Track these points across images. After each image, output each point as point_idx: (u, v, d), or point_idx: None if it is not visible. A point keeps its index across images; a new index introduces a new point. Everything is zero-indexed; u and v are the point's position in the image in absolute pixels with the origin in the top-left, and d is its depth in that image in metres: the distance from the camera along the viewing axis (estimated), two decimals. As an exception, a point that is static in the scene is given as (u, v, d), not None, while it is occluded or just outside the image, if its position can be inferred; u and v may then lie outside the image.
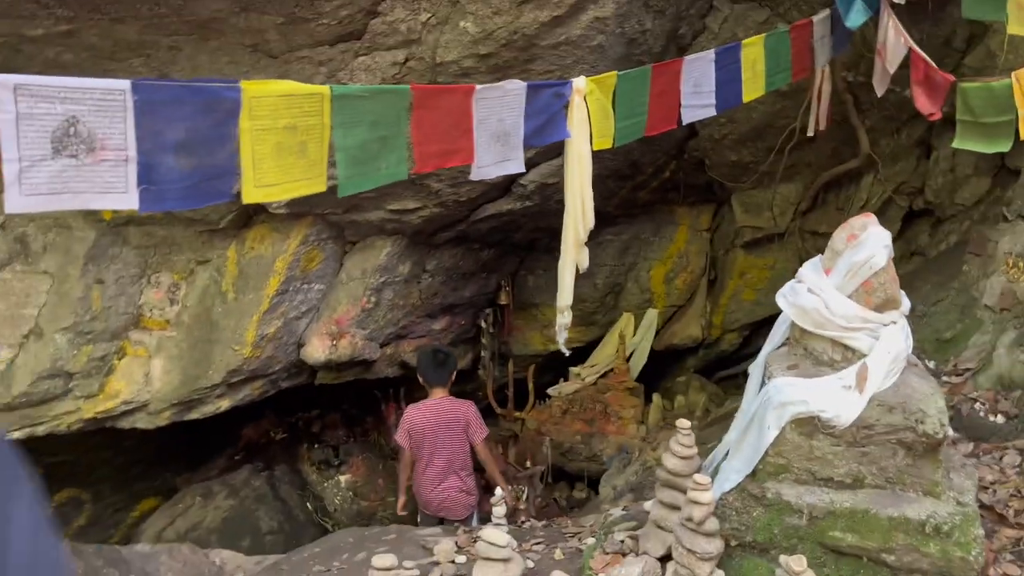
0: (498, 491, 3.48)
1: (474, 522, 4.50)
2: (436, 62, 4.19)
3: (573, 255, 3.34)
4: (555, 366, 6.93)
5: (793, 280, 2.69)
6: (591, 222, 3.31)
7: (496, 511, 3.61)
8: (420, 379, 4.60)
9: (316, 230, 4.90)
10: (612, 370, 6.66)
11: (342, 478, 6.09)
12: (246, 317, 4.84)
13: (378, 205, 4.84)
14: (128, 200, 2.09)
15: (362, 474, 6.17)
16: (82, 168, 2.01)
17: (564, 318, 3.50)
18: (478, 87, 2.86)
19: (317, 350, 5.11)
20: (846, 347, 2.49)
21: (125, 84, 2.03)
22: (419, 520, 4.66)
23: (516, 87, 2.99)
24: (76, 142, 1.99)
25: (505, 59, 4.22)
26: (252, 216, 4.76)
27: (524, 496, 5.48)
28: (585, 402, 6.51)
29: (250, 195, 2.34)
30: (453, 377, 4.59)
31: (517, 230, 5.90)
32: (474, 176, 2.94)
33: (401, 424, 4.44)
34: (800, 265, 2.68)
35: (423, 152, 2.73)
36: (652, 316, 6.92)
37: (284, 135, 2.35)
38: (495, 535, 3.06)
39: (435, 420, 4.38)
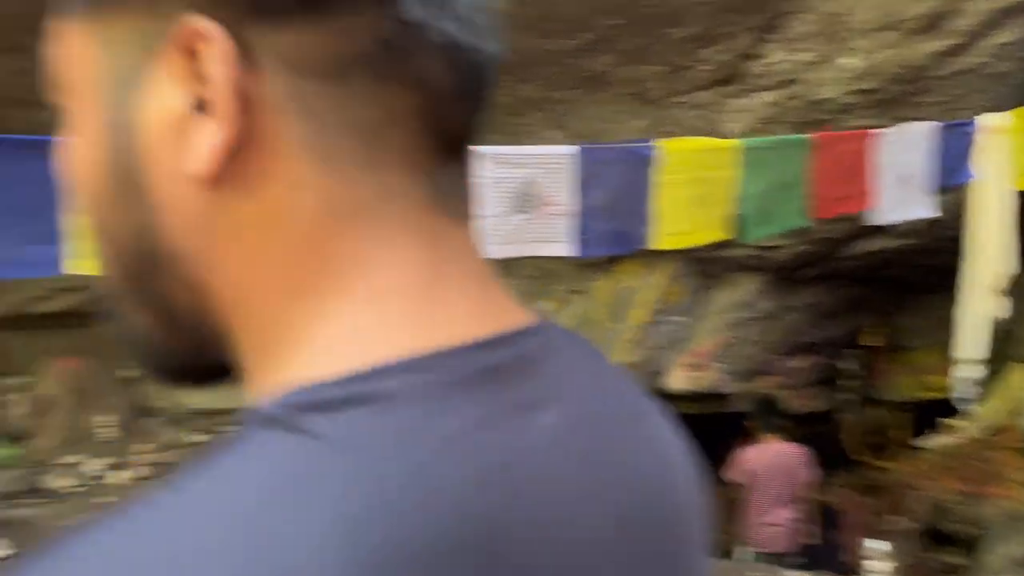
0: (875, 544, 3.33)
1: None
2: (813, 100, 4.16)
3: (976, 303, 3.09)
4: (927, 415, 6.36)
5: None
6: (1014, 267, 3.03)
7: (876, 566, 3.45)
8: (752, 425, 4.89)
9: (682, 266, 5.10)
10: (1002, 427, 5.92)
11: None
12: (614, 345, 5.18)
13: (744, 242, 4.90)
14: (565, 248, 2.43)
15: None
16: (531, 222, 2.38)
17: (963, 371, 3.25)
18: (878, 131, 2.81)
19: (678, 380, 5.29)
20: None
21: (573, 149, 2.36)
22: (734, 554, 4.88)
23: (918, 128, 2.88)
24: (529, 199, 2.36)
25: (890, 93, 4.07)
26: (624, 252, 5.11)
27: (893, 552, 5.12)
28: (964, 458, 5.87)
29: (661, 242, 2.56)
30: (782, 423, 4.84)
31: (890, 267, 5.56)
32: (875, 221, 2.88)
33: (737, 463, 4.72)
34: None
35: (823, 198, 2.75)
36: (1053, 368, 6.03)
37: (694, 186, 2.54)
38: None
39: (770, 463, 4.64)
